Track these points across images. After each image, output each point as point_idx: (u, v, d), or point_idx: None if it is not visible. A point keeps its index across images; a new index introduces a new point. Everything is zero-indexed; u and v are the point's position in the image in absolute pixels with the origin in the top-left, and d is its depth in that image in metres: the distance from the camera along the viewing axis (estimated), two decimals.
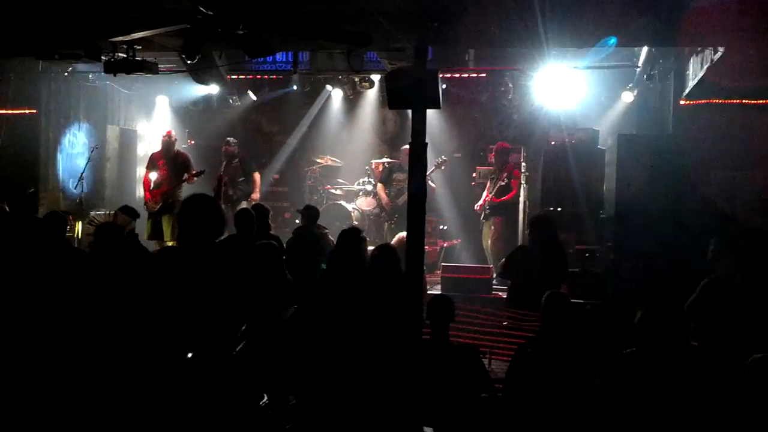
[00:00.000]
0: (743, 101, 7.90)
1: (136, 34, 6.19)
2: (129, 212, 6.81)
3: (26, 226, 6.14)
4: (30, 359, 4.84)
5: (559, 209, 9.96)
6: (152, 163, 10.68)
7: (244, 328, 5.29)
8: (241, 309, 4.88)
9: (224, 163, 11.10)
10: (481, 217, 10.25)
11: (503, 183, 9.91)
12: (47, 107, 10.76)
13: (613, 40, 7.66)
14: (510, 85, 11.18)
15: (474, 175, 11.15)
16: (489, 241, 10.11)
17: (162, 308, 4.24)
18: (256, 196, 10.98)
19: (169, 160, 10.52)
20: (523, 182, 10.94)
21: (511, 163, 10.26)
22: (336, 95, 12.25)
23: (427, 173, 10.03)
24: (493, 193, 10.02)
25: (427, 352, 4.98)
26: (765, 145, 7.71)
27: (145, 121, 13.10)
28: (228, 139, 11.39)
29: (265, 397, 5.38)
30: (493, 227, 10.06)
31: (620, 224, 8.64)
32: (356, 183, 11.45)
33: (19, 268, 5.44)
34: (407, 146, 10.23)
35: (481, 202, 10.23)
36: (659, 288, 7.06)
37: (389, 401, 4.67)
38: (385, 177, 10.76)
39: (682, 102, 8.10)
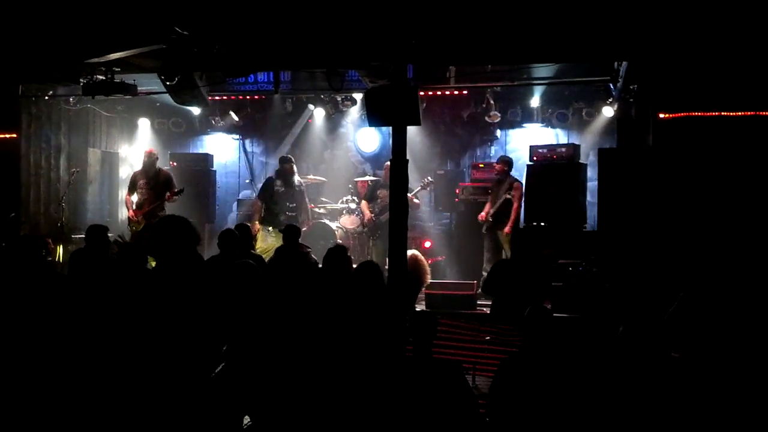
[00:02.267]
0: (722, 113, 7.95)
1: (112, 55, 6.20)
2: (96, 231, 6.79)
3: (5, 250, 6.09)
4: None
5: (542, 224, 10.00)
6: (134, 181, 10.63)
7: (224, 348, 5.26)
8: (220, 329, 4.86)
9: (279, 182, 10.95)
10: (483, 229, 10.22)
11: (508, 197, 9.91)
12: (28, 131, 10.68)
13: None
14: (491, 101, 11.23)
15: (457, 191, 11.16)
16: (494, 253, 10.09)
17: (140, 329, 4.21)
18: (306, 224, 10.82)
19: (150, 179, 10.47)
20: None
21: (512, 176, 10.30)
22: (318, 114, 12.27)
23: (413, 192, 10.13)
24: (497, 206, 10.02)
25: (409, 368, 4.95)
26: (744, 156, 7.76)
27: (127, 144, 13.05)
28: (284, 155, 11.27)
29: (247, 419, 5.32)
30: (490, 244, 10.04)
31: (603, 238, 8.67)
32: (340, 201, 11.44)
33: None
34: (389, 163, 10.37)
35: (483, 213, 10.20)
36: (642, 301, 7.06)
37: (373, 418, 4.64)
38: (369, 194, 10.77)
39: (661, 115, 8.15)
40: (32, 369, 4.78)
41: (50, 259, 8.21)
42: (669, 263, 7.23)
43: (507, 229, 9.84)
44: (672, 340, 5.52)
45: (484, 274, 10.05)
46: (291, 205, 10.64)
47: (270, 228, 10.50)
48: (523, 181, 10.53)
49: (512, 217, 9.90)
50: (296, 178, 10.84)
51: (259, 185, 12.69)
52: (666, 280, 6.96)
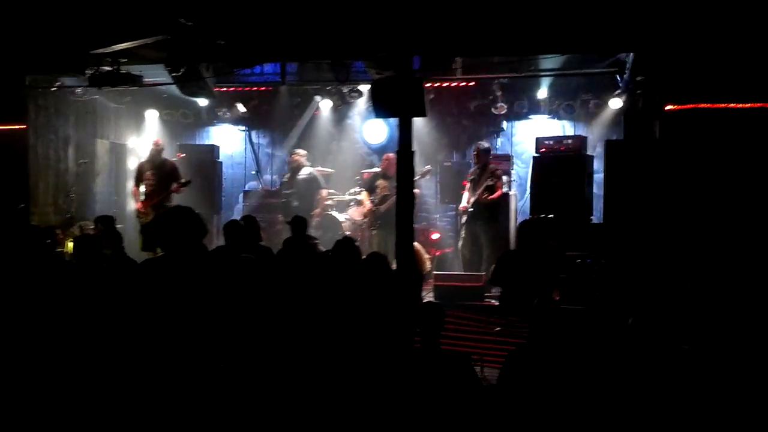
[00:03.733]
0: (730, 105, 7.93)
1: (117, 46, 6.20)
2: (104, 221, 6.82)
3: (8, 242, 6.13)
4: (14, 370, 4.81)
5: (549, 216, 9.98)
6: (140, 173, 10.68)
7: (232, 339, 5.28)
8: (226, 320, 4.88)
9: (289, 175, 11.25)
10: (463, 221, 10.17)
11: (490, 183, 9.81)
12: (36, 122, 10.72)
13: None
14: (498, 93, 11.22)
15: (464, 183, 11.14)
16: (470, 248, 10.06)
17: (146, 320, 4.24)
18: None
19: (156, 169, 10.53)
20: (513, 190, 10.97)
21: (492, 163, 10.23)
22: (325, 106, 12.26)
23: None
24: (478, 193, 9.91)
25: (417, 359, 4.96)
26: (752, 149, 7.74)
27: (134, 135, 13.08)
28: (296, 149, 11.49)
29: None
30: (478, 235, 9.97)
31: (610, 230, 8.66)
32: (347, 193, 11.46)
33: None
34: (388, 155, 10.39)
35: (464, 203, 10.14)
36: (650, 293, 7.06)
37: (382, 409, 4.66)
38: (369, 185, 10.77)
39: (668, 107, 8.13)
40: (38, 357, 4.82)
41: (59, 249, 8.25)
42: (677, 255, 7.22)
43: (496, 195, 9.82)
44: (681, 332, 5.53)
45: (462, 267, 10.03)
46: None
47: None
48: (529, 173, 10.51)
49: (493, 196, 9.83)
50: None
51: (266, 176, 12.78)
52: (674, 271, 6.96)
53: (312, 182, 11.23)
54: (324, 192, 11.25)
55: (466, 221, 10.03)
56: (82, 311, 5.03)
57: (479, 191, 9.82)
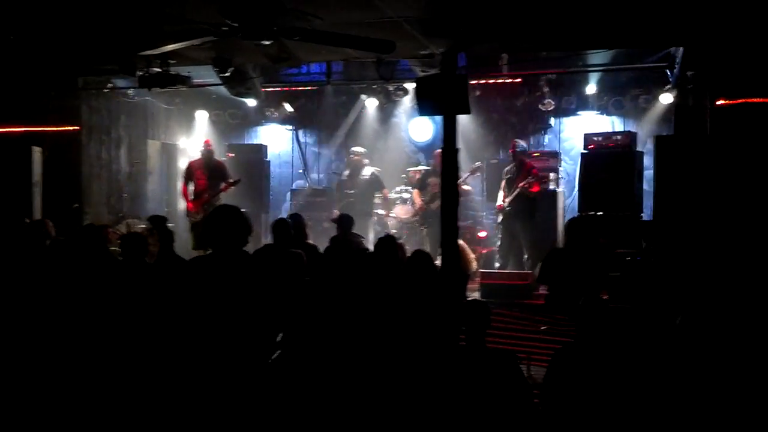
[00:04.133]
0: None
1: (164, 47, 6.30)
2: (156, 220, 6.93)
3: (65, 240, 6.28)
4: (68, 368, 4.93)
5: (599, 213, 9.86)
6: (190, 172, 10.84)
7: (280, 336, 5.34)
8: (275, 317, 4.93)
9: (349, 174, 11.39)
10: (499, 219, 10.11)
11: (526, 184, 9.74)
12: (89, 123, 10.93)
13: None
14: (546, 89, 11.12)
15: (502, 183, 11.06)
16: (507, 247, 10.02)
17: (195, 316, 4.31)
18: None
19: (207, 169, 10.69)
20: (560, 187, 10.87)
21: (528, 161, 10.15)
22: (371, 104, 12.30)
23: (462, 179, 10.07)
24: (514, 192, 9.87)
25: (463, 358, 4.95)
26: None
27: (185, 136, 13.29)
28: (354, 148, 11.61)
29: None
30: (517, 232, 9.91)
31: (660, 227, 8.50)
32: (393, 191, 11.47)
33: (60, 282, 5.54)
34: (440, 150, 10.35)
35: (500, 202, 10.07)
36: (700, 292, 6.92)
37: (428, 407, 4.66)
38: (421, 182, 10.77)
39: (719, 102, 7.96)
40: (98, 348, 4.93)
41: (111, 247, 8.41)
42: (728, 253, 7.06)
43: (535, 188, 9.76)
44: (731, 332, 5.41)
45: (497, 265, 9.97)
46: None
47: None
48: (578, 169, 10.39)
49: (534, 188, 9.78)
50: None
51: (313, 175, 12.87)
52: (725, 270, 6.81)
53: (374, 182, 11.24)
54: (386, 191, 11.25)
55: (502, 219, 9.99)
56: (127, 307, 5.14)
57: (515, 190, 9.76)
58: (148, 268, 5.70)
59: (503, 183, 10.13)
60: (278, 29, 5.42)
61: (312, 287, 5.79)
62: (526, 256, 9.77)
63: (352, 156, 11.52)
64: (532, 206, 9.84)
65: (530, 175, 9.77)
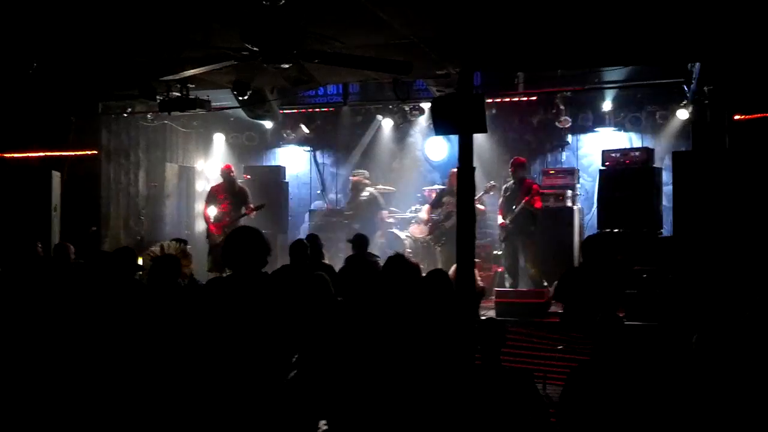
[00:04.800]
0: None
1: (185, 72, 6.38)
2: (179, 242, 6.99)
3: (94, 262, 6.33)
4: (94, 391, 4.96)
5: (616, 230, 9.81)
6: (212, 196, 11.01)
7: (296, 356, 5.34)
8: (292, 337, 4.94)
9: (351, 195, 11.60)
10: (502, 239, 10.10)
11: (526, 205, 9.74)
12: (108, 147, 11.06)
13: None
14: (561, 107, 11.12)
15: (526, 199, 11.04)
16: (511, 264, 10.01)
17: (214, 337, 4.33)
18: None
19: (229, 194, 10.86)
20: (578, 204, 10.83)
21: (528, 178, 10.15)
22: (386, 124, 12.36)
23: (476, 197, 10.07)
24: (520, 207, 9.84)
25: (479, 377, 4.93)
26: None
27: (202, 159, 13.41)
28: (355, 170, 11.82)
29: (323, 425, 5.39)
30: (522, 247, 9.90)
31: (679, 244, 8.44)
32: (409, 210, 11.49)
33: (88, 305, 5.56)
34: (455, 169, 10.38)
35: (501, 219, 10.06)
36: (718, 310, 6.85)
37: (445, 426, 4.64)
38: (436, 201, 10.79)
39: (737, 117, 7.92)
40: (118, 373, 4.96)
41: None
42: (747, 270, 7.00)
43: (538, 203, 9.76)
44: (748, 350, 5.35)
45: (507, 283, 9.95)
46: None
47: None
48: (596, 186, 10.35)
49: (537, 205, 9.79)
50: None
51: (331, 195, 12.93)
52: (744, 287, 6.74)
53: (372, 203, 11.31)
54: (384, 213, 11.31)
55: (505, 237, 9.99)
56: (159, 328, 5.17)
57: (518, 206, 9.76)
58: (180, 290, 5.72)
59: (501, 201, 10.16)
60: (298, 53, 5.47)
61: (329, 308, 5.79)
62: (532, 272, 9.78)
63: (352, 177, 11.68)
64: (533, 222, 9.84)
65: (531, 190, 9.78)
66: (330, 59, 6.22)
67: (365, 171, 11.83)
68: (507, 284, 9.97)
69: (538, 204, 9.81)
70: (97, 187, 10.68)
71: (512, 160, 10.29)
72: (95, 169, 10.65)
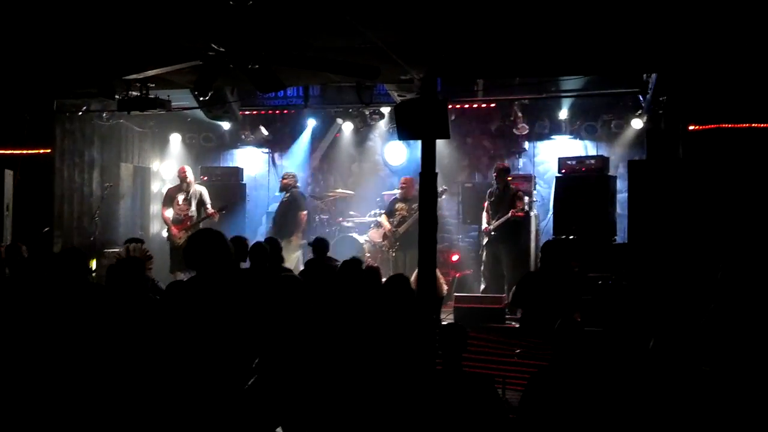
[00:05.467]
0: (753, 125, 7.89)
1: (149, 71, 6.28)
2: (137, 242, 6.90)
3: (44, 264, 6.18)
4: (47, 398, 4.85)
5: (571, 237, 9.95)
6: (169, 198, 11.00)
7: (257, 361, 5.30)
8: (253, 341, 4.90)
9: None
10: (484, 242, 10.20)
11: (515, 213, 9.85)
12: (62, 146, 10.86)
13: None
14: (519, 114, 11.24)
15: (485, 204, 11.15)
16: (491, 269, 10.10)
17: (175, 340, 4.28)
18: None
19: (186, 194, 10.86)
20: (534, 210, 10.95)
21: (512, 183, 10.27)
22: (346, 128, 12.36)
23: None
24: (500, 215, 9.93)
25: (440, 381, 4.95)
26: None
27: (158, 159, 13.24)
28: (286, 171, 11.72)
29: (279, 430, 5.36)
30: (501, 255, 10.00)
31: (633, 251, 8.60)
32: (368, 215, 11.50)
33: (40, 308, 5.43)
34: (405, 178, 10.48)
35: (485, 225, 10.17)
36: (673, 315, 7.00)
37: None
38: (389, 208, 10.83)
39: (691, 127, 8.11)
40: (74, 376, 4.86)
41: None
42: (700, 276, 7.16)
43: (521, 214, 9.86)
44: (703, 354, 5.47)
45: (482, 287, 10.05)
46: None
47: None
48: (552, 193, 10.49)
49: (519, 215, 9.89)
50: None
51: None
52: (697, 293, 6.90)
53: (291, 204, 11.23)
54: (303, 214, 11.24)
55: (487, 242, 10.05)
56: (117, 331, 5.07)
57: (501, 212, 9.85)
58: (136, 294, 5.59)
59: (486, 204, 10.21)
60: (266, 54, 5.43)
61: (293, 312, 5.76)
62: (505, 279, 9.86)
63: (281, 179, 11.59)
64: (518, 230, 9.96)
65: (516, 198, 9.89)
66: (298, 62, 6.20)
67: (293, 172, 11.73)
68: (482, 287, 10.06)
69: (521, 213, 9.91)
70: (50, 186, 10.46)
71: (496, 165, 10.47)
72: (49, 168, 10.44)
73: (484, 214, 10.17)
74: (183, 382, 4.19)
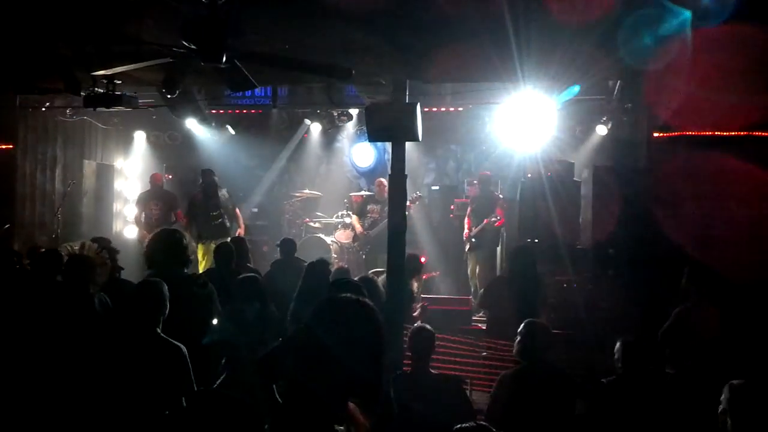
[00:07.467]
0: (716, 133, 8.04)
1: (118, 68, 6.19)
2: (101, 242, 6.79)
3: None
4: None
5: (536, 241, 10.03)
6: (143, 202, 11.16)
7: (224, 361, 5.27)
8: (220, 341, 4.88)
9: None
10: (467, 249, 10.31)
11: (494, 219, 10.06)
12: (24, 142, 10.70)
13: (577, 88, 7.94)
14: (486, 118, 11.32)
15: (452, 207, 11.22)
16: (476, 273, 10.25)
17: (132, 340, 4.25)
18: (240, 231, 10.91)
19: (159, 200, 11.07)
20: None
21: (495, 192, 10.42)
22: (314, 129, 12.34)
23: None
24: (483, 225, 10.09)
25: (408, 382, 4.97)
26: (737, 176, 7.83)
27: (122, 157, 13.08)
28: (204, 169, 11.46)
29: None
30: (478, 261, 10.18)
31: (597, 256, 8.71)
32: (335, 216, 11.50)
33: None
34: (381, 179, 10.49)
35: (467, 230, 10.28)
36: (636, 318, 7.11)
37: None
38: (360, 209, 10.84)
39: (655, 134, 8.23)
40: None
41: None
42: (663, 280, 7.28)
43: (500, 222, 10.01)
44: (667, 356, 5.58)
45: (472, 289, 10.19)
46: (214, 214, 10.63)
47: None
48: (518, 197, 10.60)
49: (498, 224, 10.04)
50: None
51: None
52: (660, 296, 7.01)
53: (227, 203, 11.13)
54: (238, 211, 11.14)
55: (470, 249, 10.20)
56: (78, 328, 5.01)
57: (484, 219, 10.04)
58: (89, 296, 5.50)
59: (469, 210, 10.42)
60: (237, 53, 5.40)
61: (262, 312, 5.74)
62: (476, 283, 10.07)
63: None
64: (497, 238, 10.21)
65: (497, 205, 10.08)
66: (270, 61, 6.17)
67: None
68: (471, 290, 10.26)
69: (501, 222, 10.09)
70: (12, 182, 10.30)
71: (479, 173, 10.70)
72: (11, 164, 10.28)
73: (466, 219, 10.34)
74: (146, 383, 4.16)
